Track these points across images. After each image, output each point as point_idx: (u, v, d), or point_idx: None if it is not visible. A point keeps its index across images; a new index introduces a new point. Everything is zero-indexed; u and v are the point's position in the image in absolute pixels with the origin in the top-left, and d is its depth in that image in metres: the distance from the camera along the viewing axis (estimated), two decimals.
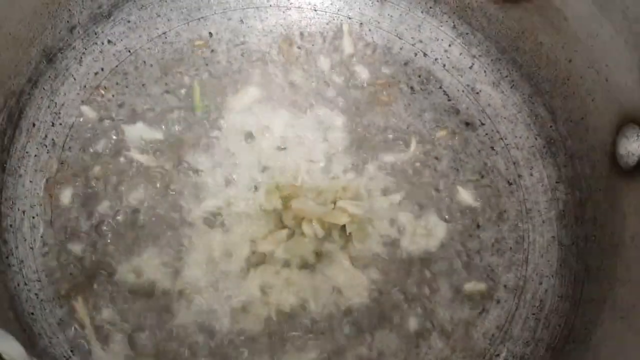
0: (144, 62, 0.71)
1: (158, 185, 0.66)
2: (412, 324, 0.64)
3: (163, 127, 0.68)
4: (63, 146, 0.66)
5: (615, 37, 0.60)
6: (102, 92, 0.69)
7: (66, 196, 0.64)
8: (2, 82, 0.60)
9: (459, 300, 0.65)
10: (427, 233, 0.67)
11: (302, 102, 0.72)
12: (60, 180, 0.65)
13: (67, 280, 0.62)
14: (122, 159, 0.67)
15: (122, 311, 0.61)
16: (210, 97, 0.70)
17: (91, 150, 0.66)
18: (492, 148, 0.71)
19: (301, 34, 0.75)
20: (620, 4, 0.59)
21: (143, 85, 0.70)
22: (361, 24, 0.75)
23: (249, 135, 0.69)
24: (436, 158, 0.70)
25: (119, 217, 0.64)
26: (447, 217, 0.68)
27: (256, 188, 0.67)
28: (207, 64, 0.72)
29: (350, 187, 0.67)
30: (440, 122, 0.72)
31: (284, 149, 0.69)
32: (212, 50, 0.72)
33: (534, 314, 0.65)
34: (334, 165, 0.69)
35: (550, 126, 0.70)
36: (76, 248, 0.63)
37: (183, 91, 0.70)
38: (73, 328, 0.60)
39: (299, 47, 0.74)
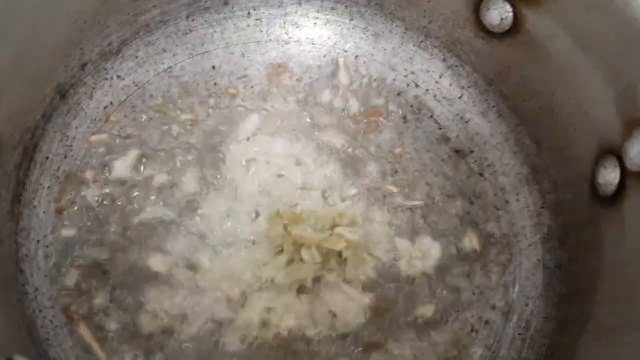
0: (151, 95, 0.74)
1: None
2: (406, 347, 0.67)
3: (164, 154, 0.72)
4: (76, 176, 0.70)
5: (594, 74, 0.64)
6: (111, 124, 0.73)
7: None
8: (19, 119, 0.64)
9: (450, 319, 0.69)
10: (422, 256, 0.71)
11: (300, 130, 0.75)
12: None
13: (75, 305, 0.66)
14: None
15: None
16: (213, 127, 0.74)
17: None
18: (481, 175, 0.75)
19: (299, 66, 0.79)
20: (599, 44, 0.63)
21: (150, 118, 0.73)
22: (356, 56, 0.79)
23: (250, 163, 0.73)
24: (427, 184, 0.74)
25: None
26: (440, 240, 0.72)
27: (257, 214, 0.70)
28: (210, 96, 0.76)
29: (346, 213, 0.71)
30: (431, 150, 0.76)
31: (283, 175, 0.72)
32: (215, 83, 0.76)
33: (520, 334, 0.69)
34: (331, 192, 0.72)
35: (535, 154, 0.74)
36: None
37: (188, 123, 0.74)
38: (84, 352, 0.64)
39: (297, 79, 0.78)
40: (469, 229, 0.73)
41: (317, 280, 0.68)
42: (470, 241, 0.72)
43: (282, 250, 0.67)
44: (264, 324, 0.66)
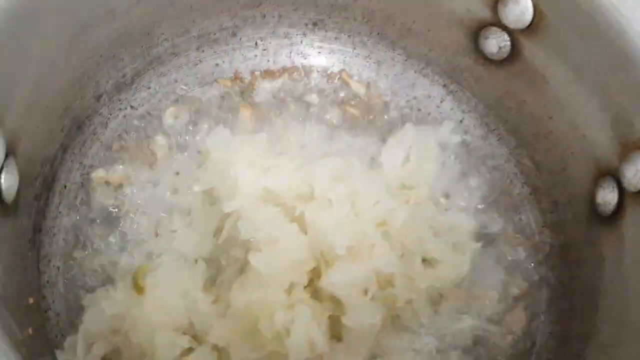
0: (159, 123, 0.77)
1: None
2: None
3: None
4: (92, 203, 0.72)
5: (590, 99, 0.67)
6: (126, 153, 0.75)
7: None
8: (39, 151, 0.66)
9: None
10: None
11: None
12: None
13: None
14: None
15: None
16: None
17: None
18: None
19: (306, 91, 0.82)
20: (593, 72, 0.66)
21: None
22: (360, 82, 0.82)
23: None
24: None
25: None
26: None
27: None
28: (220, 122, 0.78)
29: None
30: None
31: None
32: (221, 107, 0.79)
33: (526, 350, 0.71)
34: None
35: (535, 175, 0.77)
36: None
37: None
38: None
39: (306, 103, 0.81)
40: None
41: None
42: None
43: None
44: None
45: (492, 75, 0.77)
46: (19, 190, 0.62)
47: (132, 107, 0.77)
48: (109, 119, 0.76)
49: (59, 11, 0.62)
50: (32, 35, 0.59)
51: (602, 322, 0.64)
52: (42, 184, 0.68)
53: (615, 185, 0.65)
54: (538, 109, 0.74)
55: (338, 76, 0.83)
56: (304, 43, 0.83)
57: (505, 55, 0.74)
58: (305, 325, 0.63)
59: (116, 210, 0.72)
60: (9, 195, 0.59)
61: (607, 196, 0.66)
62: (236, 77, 0.81)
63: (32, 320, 0.61)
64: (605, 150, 0.66)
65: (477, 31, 0.75)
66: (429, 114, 0.82)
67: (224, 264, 0.69)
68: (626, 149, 0.63)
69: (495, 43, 0.74)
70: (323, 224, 0.67)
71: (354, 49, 0.83)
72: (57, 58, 0.65)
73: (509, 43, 0.73)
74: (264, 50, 0.82)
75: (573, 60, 0.67)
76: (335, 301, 0.67)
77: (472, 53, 0.77)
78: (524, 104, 0.76)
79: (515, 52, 0.73)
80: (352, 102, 0.82)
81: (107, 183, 0.74)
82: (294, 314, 0.63)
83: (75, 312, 0.67)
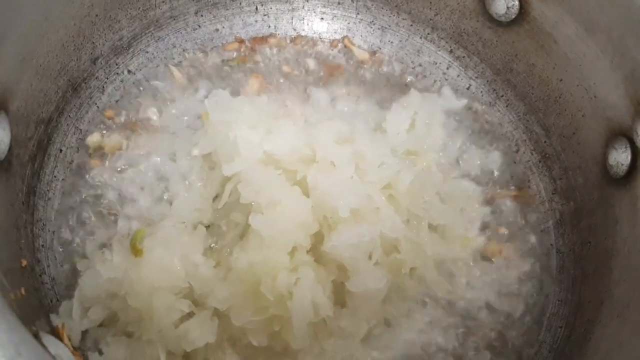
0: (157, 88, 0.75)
1: None
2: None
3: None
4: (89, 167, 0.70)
5: (601, 57, 0.65)
6: (122, 118, 0.73)
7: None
8: (33, 110, 0.64)
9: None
10: None
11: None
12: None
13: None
14: None
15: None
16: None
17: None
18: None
19: (309, 57, 0.80)
20: (604, 26, 0.64)
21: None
22: (364, 49, 0.80)
23: None
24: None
25: None
26: None
27: None
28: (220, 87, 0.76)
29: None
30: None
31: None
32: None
33: (538, 319, 0.69)
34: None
35: (545, 141, 0.75)
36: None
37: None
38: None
39: (308, 69, 0.79)
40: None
41: None
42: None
43: None
44: None
45: (500, 38, 0.75)
46: (12, 148, 0.59)
47: (129, 71, 0.75)
48: (105, 82, 0.74)
49: None
50: None
51: (615, 287, 0.62)
52: (37, 146, 0.66)
53: (627, 145, 0.63)
54: (547, 72, 0.72)
55: (341, 43, 0.81)
56: (305, 8, 0.81)
57: (513, 16, 0.72)
58: (309, 287, 0.61)
59: (113, 175, 0.70)
60: (1, 150, 0.57)
61: (620, 157, 0.64)
62: (237, 43, 0.79)
63: (26, 282, 0.59)
64: (617, 110, 0.64)
65: None
66: (435, 81, 0.79)
67: (225, 229, 0.67)
68: (639, 106, 0.61)
69: (504, 3, 0.72)
70: (326, 186, 0.65)
71: (358, 14, 0.80)
72: (49, 12, 0.62)
73: (517, 2, 0.71)
74: (265, 15, 0.80)
75: (584, 16, 0.65)
76: (340, 266, 0.64)
77: (480, 15, 0.75)
78: (533, 67, 0.74)
79: (523, 11, 0.71)
80: (356, 69, 0.80)
81: (104, 148, 0.71)
82: (298, 277, 0.61)
83: (71, 276, 0.65)
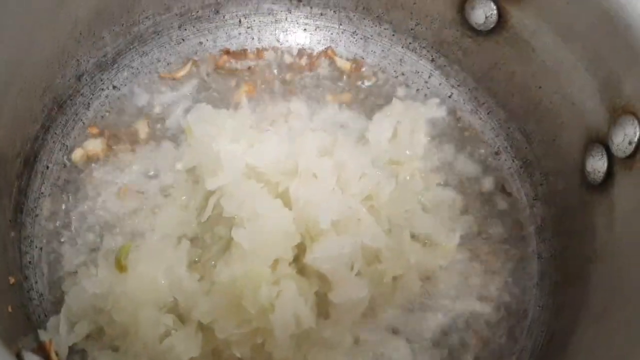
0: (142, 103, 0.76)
1: None
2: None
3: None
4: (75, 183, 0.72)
5: (577, 65, 0.66)
6: (108, 133, 0.74)
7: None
8: (19, 129, 0.65)
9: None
10: None
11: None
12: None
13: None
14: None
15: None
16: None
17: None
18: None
19: (291, 69, 0.81)
20: (579, 35, 0.65)
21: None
22: (347, 59, 0.81)
23: None
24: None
25: None
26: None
27: None
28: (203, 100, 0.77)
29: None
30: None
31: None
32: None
33: (519, 323, 0.70)
34: None
35: (526, 148, 0.76)
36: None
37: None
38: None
39: (291, 80, 0.79)
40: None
41: None
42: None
43: None
44: None
45: (480, 46, 0.76)
46: None
47: (114, 87, 0.76)
48: (91, 98, 0.75)
49: None
50: (7, 9, 0.58)
51: (593, 292, 0.63)
52: (24, 163, 0.68)
53: (604, 152, 0.64)
54: (526, 79, 0.73)
55: (324, 53, 0.81)
56: (288, 20, 0.82)
57: (492, 25, 0.73)
58: (291, 300, 0.62)
59: (98, 190, 0.71)
60: None
61: (597, 164, 0.65)
62: (221, 55, 0.80)
63: (13, 299, 0.61)
64: (594, 117, 0.65)
65: (463, 1, 0.74)
66: (417, 90, 0.80)
67: (209, 242, 0.68)
68: (615, 114, 0.62)
69: (482, 12, 0.73)
70: (308, 198, 0.66)
71: (340, 24, 0.81)
72: (34, 33, 0.64)
73: (495, 12, 0.72)
74: (248, 28, 0.81)
75: (560, 26, 0.66)
76: (322, 277, 0.65)
77: (459, 25, 0.76)
78: (513, 75, 0.74)
79: (501, 20, 0.72)
80: (339, 80, 0.81)
81: (90, 163, 0.72)
82: (280, 289, 0.62)
83: (58, 292, 0.66)
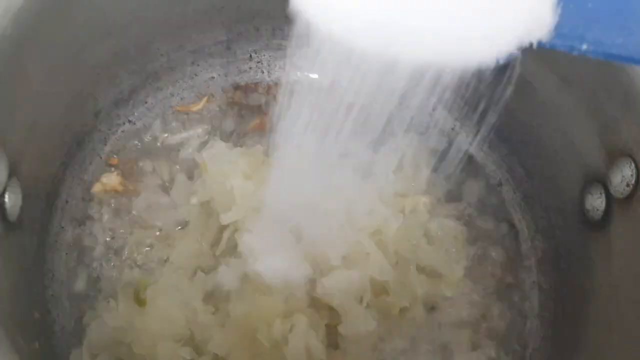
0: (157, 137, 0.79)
1: None
2: None
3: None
4: (94, 217, 0.74)
5: (577, 106, 0.69)
6: (125, 166, 0.77)
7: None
8: (42, 169, 0.68)
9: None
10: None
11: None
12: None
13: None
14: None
15: None
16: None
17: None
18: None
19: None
20: (579, 80, 0.67)
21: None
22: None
23: None
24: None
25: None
26: None
27: None
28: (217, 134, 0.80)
29: None
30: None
31: None
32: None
33: (520, 353, 0.73)
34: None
35: (526, 182, 0.78)
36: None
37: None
38: None
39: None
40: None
41: None
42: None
43: None
44: None
45: (482, 83, 0.78)
46: (22, 208, 0.63)
47: (130, 121, 0.79)
48: (107, 134, 0.77)
49: (58, 34, 0.63)
50: (32, 59, 0.61)
51: (591, 327, 0.66)
52: (45, 200, 0.70)
53: (602, 191, 0.66)
54: (527, 117, 0.76)
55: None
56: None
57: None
58: (303, 334, 0.65)
59: (116, 224, 0.74)
60: (13, 213, 0.60)
61: (595, 202, 0.67)
62: (232, 89, 0.82)
63: (39, 334, 0.63)
64: (593, 157, 0.68)
65: None
66: (421, 123, 0.83)
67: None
68: (612, 156, 0.65)
69: None
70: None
71: None
72: (57, 79, 0.66)
73: None
74: (259, 62, 0.84)
75: (560, 69, 0.69)
76: (332, 310, 0.68)
77: None
78: (514, 111, 0.77)
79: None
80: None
81: (107, 197, 0.75)
82: (292, 323, 0.65)
83: (80, 325, 0.68)
